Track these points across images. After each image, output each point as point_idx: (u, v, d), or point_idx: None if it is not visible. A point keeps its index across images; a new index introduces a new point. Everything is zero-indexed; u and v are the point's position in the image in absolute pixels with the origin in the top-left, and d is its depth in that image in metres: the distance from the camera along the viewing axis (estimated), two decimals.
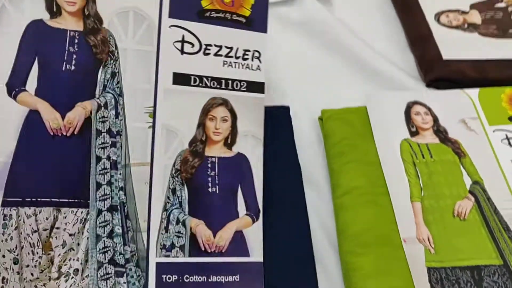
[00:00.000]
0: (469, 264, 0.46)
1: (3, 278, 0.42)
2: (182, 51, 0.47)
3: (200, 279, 0.45)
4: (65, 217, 0.43)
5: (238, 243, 0.47)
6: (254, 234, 0.48)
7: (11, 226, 0.42)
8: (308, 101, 0.61)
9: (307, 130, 0.59)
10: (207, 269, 0.46)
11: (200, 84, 0.47)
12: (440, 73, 0.62)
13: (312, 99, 0.61)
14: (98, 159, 0.44)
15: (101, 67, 0.45)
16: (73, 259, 0.44)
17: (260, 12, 0.49)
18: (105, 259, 0.44)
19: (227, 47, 0.48)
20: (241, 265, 0.47)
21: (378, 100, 0.58)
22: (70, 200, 0.44)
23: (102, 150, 0.45)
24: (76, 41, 0.44)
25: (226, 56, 0.48)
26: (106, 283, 0.44)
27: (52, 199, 0.43)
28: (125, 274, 0.44)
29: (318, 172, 0.56)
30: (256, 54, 0.49)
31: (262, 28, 0.49)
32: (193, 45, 0.47)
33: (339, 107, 0.58)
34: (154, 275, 0.44)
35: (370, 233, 0.48)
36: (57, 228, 0.43)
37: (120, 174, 0.45)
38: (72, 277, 0.43)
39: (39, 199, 0.43)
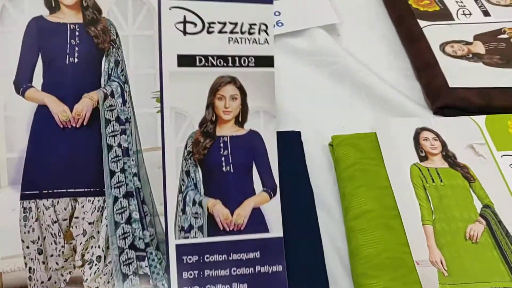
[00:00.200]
0: (483, 286, 0.47)
1: (30, 268, 0.43)
2: (184, 32, 0.46)
3: (220, 258, 0.46)
4: (83, 207, 0.44)
5: (257, 220, 0.47)
6: (273, 210, 0.48)
7: (32, 218, 0.43)
8: (319, 128, 0.62)
9: (318, 156, 0.60)
10: (227, 247, 0.46)
11: (206, 64, 0.46)
12: (447, 101, 0.63)
13: (322, 126, 0.62)
14: (110, 147, 0.44)
15: (104, 57, 0.45)
16: (95, 247, 0.44)
17: None
18: (125, 245, 0.44)
19: (231, 23, 0.46)
20: (261, 241, 0.47)
21: (387, 126, 0.60)
22: (85, 190, 0.45)
23: (113, 138, 0.45)
24: (77, 33, 0.44)
25: (231, 32, 0.47)
26: (129, 267, 0.44)
27: (68, 190, 0.44)
28: (146, 258, 0.45)
29: (330, 196, 0.56)
30: (263, 27, 0.47)
31: None
32: (195, 24, 0.46)
33: (349, 133, 0.59)
34: (174, 257, 0.45)
35: (382, 255, 0.49)
36: (76, 217, 0.44)
37: (132, 160, 0.45)
38: (96, 264, 0.44)
39: (55, 191, 0.44)
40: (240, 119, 0.48)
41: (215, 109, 0.47)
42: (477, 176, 0.55)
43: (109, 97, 0.45)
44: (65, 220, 0.44)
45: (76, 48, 0.44)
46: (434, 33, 0.72)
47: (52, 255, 0.44)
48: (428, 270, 0.48)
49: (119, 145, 0.45)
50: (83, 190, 0.44)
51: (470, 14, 0.75)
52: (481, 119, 0.61)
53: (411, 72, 0.71)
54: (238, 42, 0.48)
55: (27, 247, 0.43)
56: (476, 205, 0.53)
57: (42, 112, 0.43)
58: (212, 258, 0.45)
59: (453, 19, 0.74)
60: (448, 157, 0.57)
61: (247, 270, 0.46)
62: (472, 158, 0.57)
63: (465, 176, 0.55)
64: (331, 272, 0.50)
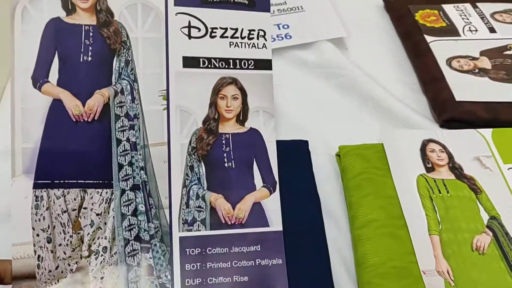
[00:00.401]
0: None
1: (39, 256, 0.50)
2: (189, 36, 0.56)
3: (222, 250, 0.53)
4: (91, 198, 0.52)
5: (257, 214, 0.55)
6: (272, 205, 0.55)
7: (43, 206, 0.51)
8: (326, 138, 0.70)
9: (325, 166, 0.68)
10: (228, 240, 0.53)
11: (209, 66, 0.57)
12: (453, 114, 0.70)
13: (329, 137, 0.70)
14: (119, 141, 0.54)
15: (116, 56, 0.54)
16: (101, 238, 0.52)
17: None
18: (131, 236, 0.53)
19: (232, 29, 0.57)
20: (262, 235, 0.54)
21: (394, 137, 0.66)
22: (95, 181, 0.52)
23: (122, 133, 0.54)
24: (91, 34, 0.54)
25: (232, 37, 0.57)
26: (134, 259, 0.52)
27: (78, 181, 0.52)
28: (150, 250, 0.53)
29: (336, 205, 0.64)
30: (261, 33, 0.58)
31: (265, 8, 0.58)
32: (199, 29, 0.57)
33: (356, 144, 0.66)
34: (178, 249, 0.52)
35: (389, 264, 0.54)
36: (85, 208, 0.52)
37: (140, 154, 0.54)
38: (102, 255, 0.52)
39: (66, 181, 0.51)
40: (241, 118, 0.56)
41: (218, 108, 0.56)
42: (484, 188, 0.60)
43: (119, 94, 0.53)
44: (74, 210, 0.51)
45: (90, 48, 0.52)
46: (440, 48, 0.80)
47: (60, 244, 0.51)
48: (434, 280, 0.53)
49: (128, 140, 0.53)
50: (92, 181, 0.51)
51: (476, 30, 0.83)
52: (487, 132, 0.67)
53: (418, 86, 0.79)
54: (238, 46, 0.57)
55: (37, 235, 0.49)
56: (483, 217, 0.58)
57: (57, 106, 0.51)
58: (214, 251, 0.53)
59: (459, 35, 0.83)
60: (455, 168, 0.62)
61: (248, 263, 0.53)
62: (479, 170, 0.62)
63: (471, 187, 0.60)
64: (337, 280, 0.56)
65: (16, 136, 0.50)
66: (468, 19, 0.87)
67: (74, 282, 0.51)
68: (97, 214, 0.52)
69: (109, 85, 0.54)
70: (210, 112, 0.56)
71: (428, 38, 0.83)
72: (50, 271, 0.50)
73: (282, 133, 0.70)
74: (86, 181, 0.52)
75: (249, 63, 0.57)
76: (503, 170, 0.63)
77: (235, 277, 0.53)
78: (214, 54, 0.56)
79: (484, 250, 0.55)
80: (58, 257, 0.51)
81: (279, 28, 0.84)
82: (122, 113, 0.53)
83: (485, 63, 0.78)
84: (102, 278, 0.51)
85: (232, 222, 0.54)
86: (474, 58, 0.79)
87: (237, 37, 0.57)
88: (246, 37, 0.57)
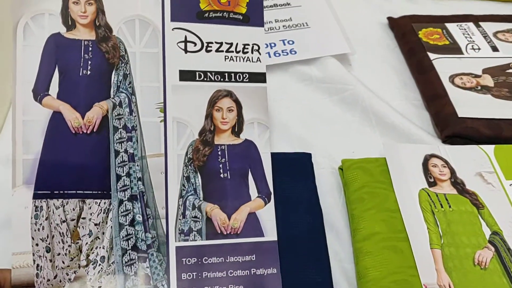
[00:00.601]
0: None
1: (38, 265, 0.52)
2: (185, 50, 0.59)
3: (218, 260, 0.55)
4: (90, 208, 0.54)
5: (252, 224, 0.57)
6: (267, 215, 0.57)
7: (42, 216, 0.53)
8: (328, 152, 0.72)
9: (328, 179, 0.69)
10: (224, 250, 0.55)
11: (205, 79, 0.59)
12: (456, 130, 0.71)
13: (332, 151, 0.72)
14: (117, 153, 0.56)
15: (114, 70, 0.56)
16: (100, 247, 0.54)
17: (256, 9, 0.61)
18: (128, 246, 0.54)
19: (227, 43, 0.60)
20: (257, 245, 0.56)
21: (397, 152, 0.67)
22: (93, 192, 0.54)
23: (120, 144, 0.56)
24: (90, 49, 0.56)
25: (227, 51, 0.60)
26: (131, 268, 0.54)
27: (77, 191, 0.54)
28: (147, 259, 0.54)
29: (338, 218, 0.65)
30: (256, 47, 0.61)
31: (259, 23, 0.61)
32: (195, 44, 0.59)
33: (358, 158, 0.68)
34: (174, 259, 0.54)
35: (390, 278, 0.55)
36: (83, 218, 0.54)
37: (137, 165, 0.56)
38: (100, 264, 0.54)
39: (65, 192, 0.53)
40: (236, 129, 0.59)
41: (214, 120, 0.58)
42: (486, 203, 0.61)
43: (118, 106, 0.55)
44: (73, 220, 0.53)
45: (89, 62, 0.55)
46: (443, 65, 0.81)
47: (59, 254, 0.52)
48: None
49: (126, 151, 0.55)
50: (91, 192, 0.53)
51: (479, 49, 0.85)
52: (490, 148, 0.68)
53: (420, 102, 0.81)
54: (233, 60, 0.59)
55: (37, 245, 0.51)
56: (485, 232, 0.58)
57: (57, 118, 0.53)
58: (210, 260, 0.54)
59: (462, 53, 0.84)
60: (457, 183, 0.63)
61: (243, 272, 0.54)
62: (481, 185, 0.63)
63: (473, 203, 0.61)
64: None
65: (17, 148, 0.53)
66: (471, 37, 0.89)
67: None
68: (95, 224, 0.54)
69: (107, 98, 0.56)
70: (206, 124, 0.58)
71: (432, 56, 0.84)
72: (48, 280, 0.52)
73: (285, 146, 0.72)
74: (85, 192, 0.54)
75: (244, 76, 0.59)
76: (505, 186, 0.64)
77: (231, 286, 0.55)
78: (210, 68, 0.59)
79: (486, 265, 0.56)
80: (56, 267, 0.52)
81: (284, 44, 0.86)
82: (120, 125, 0.56)
83: (488, 80, 0.80)
84: (99, 287, 0.53)
85: (228, 232, 0.56)
86: (476, 76, 0.81)
87: (232, 51, 0.59)
88: (241, 51, 0.60)
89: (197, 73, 0.58)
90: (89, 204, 0.54)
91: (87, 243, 0.54)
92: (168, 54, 0.58)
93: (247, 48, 0.60)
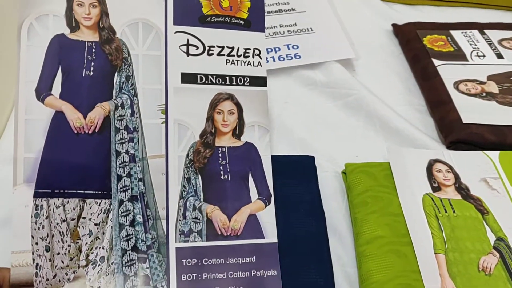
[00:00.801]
0: None
1: (37, 264, 0.52)
2: (187, 53, 0.60)
3: (218, 261, 0.55)
4: (90, 208, 0.55)
5: (253, 226, 0.57)
6: (267, 217, 0.58)
7: (43, 215, 0.53)
8: (332, 156, 0.72)
9: (331, 184, 0.69)
10: (224, 252, 0.55)
11: (206, 82, 0.60)
12: (460, 135, 0.71)
13: (335, 155, 0.73)
14: (118, 153, 0.56)
15: (117, 72, 0.57)
16: (99, 247, 0.54)
17: (257, 14, 0.63)
18: (128, 247, 0.55)
19: (228, 47, 0.61)
20: (257, 247, 0.56)
21: (401, 156, 0.67)
22: (94, 192, 0.54)
23: (121, 145, 0.56)
24: (93, 50, 0.58)
25: (228, 55, 0.61)
26: (131, 268, 0.54)
27: (78, 191, 0.54)
28: (147, 260, 0.54)
29: (341, 222, 0.65)
30: (257, 52, 0.62)
31: (260, 28, 0.62)
32: (197, 47, 0.60)
33: (362, 162, 0.68)
34: (174, 260, 0.54)
35: (394, 281, 0.54)
36: (83, 218, 0.54)
37: (138, 166, 0.57)
38: (99, 264, 0.54)
39: (66, 191, 0.54)
40: (237, 132, 0.59)
41: (215, 122, 0.59)
42: (491, 209, 0.61)
43: (120, 107, 0.56)
44: (73, 219, 0.53)
45: (92, 63, 0.56)
46: (448, 72, 0.81)
47: (58, 253, 0.53)
48: None
49: (127, 152, 0.55)
50: (91, 192, 0.54)
51: (484, 56, 0.85)
52: (494, 154, 0.68)
53: (425, 108, 0.81)
54: (234, 64, 0.61)
55: (36, 244, 0.51)
56: (489, 237, 0.58)
57: (59, 118, 0.54)
58: (210, 262, 0.54)
59: (467, 60, 0.84)
60: (461, 189, 0.63)
61: (243, 274, 0.55)
62: (486, 191, 0.63)
63: (478, 208, 0.61)
64: None
65: (18, 146, 0.53)
66: (476, 45, 0.89)
67: None
68: (96, 224, 0.54)
69: (110, 99, 0.57)
70: (207, 126, 0.59)
71: (436, 62, 0.85)
72: (47, 279, 0.52)
73: (289, 150, 0.72)
74: (85, 191, 0.54)
75: (245, 79, 0.60)
76: (510, 192, 0.64)
77: None
78: (211, 71, 0.60)
79: (491, 271, 0.56)
80: (56, 266, 0.53)
81: (289, 48, 0.86)
82: (122, 126, 0.56)
83: (493, 87, 0.80)
84: (99, 287, 0.52)
85: (228, 233, 0.57)
86: (481, 82, 0.81)
87: (233, 55, 0.61)
88: (242, 55, 0.61)
89: (198, 76, 0.59)
90: (89, 204, 0.54)
91: (87, 243, 0.54)
92: (170, 57, 0.59)
93: (248, 52, 0.61)
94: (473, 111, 0.75)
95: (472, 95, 0.78)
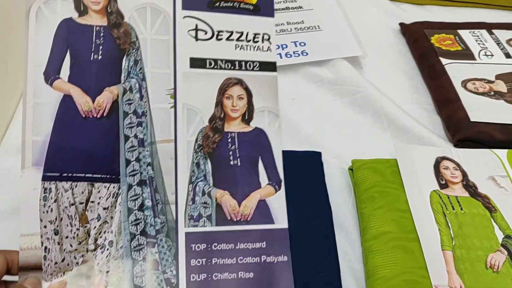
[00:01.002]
0: None
1: (46, 247, 0.52)
2: (196, 38, 0.60)
3: (227, 246, 0.55)
4: (99, 192, 0.55)
5: (263, 212, 0.57)
6: (278, 203, 0.57)
7: (51, 198, 0.53)
8: (339, 153, 0.73)
9: (337, 180, 0.70)
10: (234, 237, 0.55)
11: (215, 67, 0.60)
12: (468, 134, 0.72)
13: (342, 151, 0.74)
14: (126, 138, 0.56)
15: (125, 56, 0.57)
16: (108, 232, 0.54)
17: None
18: (137, 231, 0.54)
19: (237, 32, 0.61)
20: (267, 232, 0.56)
21: (408, 153, 0.68)
22: (102, 176, 0.54)
23: (130, 129, 0.56)
24: (102, 34, 0.57)
25: (238, 40, 0.61)
26: (139, 253, 0.54)
27: (86, 175, 0.54)
28: (156, 245, 0.54)
29: (347, 218, 0.66)
30: (266, 37, 0.62)
31: (269, 13, 0.62)
32: (206, 32, 0.60)
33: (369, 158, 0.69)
34: (184, 245, 0.54)
35: (400, 277, 0.55)
36: (92, 201, 0.54)
37: (147, 151, 0.57)
38: (108, 249, 0.54)
39: (74, 174, 0.53)
40: (246, 117, 0.59)
41: (224, 107, 0.59)
42: (499, 207, 0.62)
43: (128, 92, 0.56)
44: (81, 203, 0.53)
45: (100, 47, 0.56)
46: (456, 71, 0.83)
47: (67, 237, 0.52)
48: None
49: (135, 136, 0.55)
50: (100, 176, 0.53)
51: (492, 55, 0.87)
52: (503, 152, 0.69)
53: (432, 107, 0.82)
54: (244, 49, 0.60)
55: (45, 227, 0.51)
56: (497, 235, 0.59)
57: (67, 102, 0.54)
58: (219, 247, 0.54)
59: (475, 59, 0.86)
60: (469, 186, 0.64)
61: (253, 259, 0.54)
62: (493, 189, 0.64)
63: (486, 206, 0.62)
64: None
65: (26, 129, 0.53)
66: (484, 44, 0.90)
67: (80, 275, 0.52)
68: (104, 208, 0.54)
69: (118, 83, 0.57)
70: (216, 111, 0.58)
71: (444, 61, 0.86)
72: (56, 263, 0.52)
73: (295, 147, 0.73)
74: (94, 175, 0.54)
75: (254, 65, 0.60)
76: None
77: (241, 273, 0.54)
78: (220, 56, 0.60)
79: (499, 269, 0.56)
80: (64, 250, 0.52)
81: (296, 45, 0.87)
82: (130, 110, 0.56)
83: (501, 86, 0.81)
84: (107, 272, 0.53)
85: (238, 218, 0.56)
86: (489, 81, 0.82)
87: (243, 40, 0.60)
88: (251, 40, 0.61)
89: (207, 60, 0.59)
90: (98, 188, 0.54)
91: (95, 227, 0.54)
92: (179, 42, 0.59)
93: (258, 37, 0.61)
94: (481, 109, 0.76)
95: (480, 93, 0.79)
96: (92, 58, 0.56)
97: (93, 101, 0.55)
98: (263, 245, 0.56)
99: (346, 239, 0.64)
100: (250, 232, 0.56)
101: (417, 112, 0.81)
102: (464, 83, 0.81)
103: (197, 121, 0.58)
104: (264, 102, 0.60)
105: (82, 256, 0.53)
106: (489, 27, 0.95)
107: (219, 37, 0.60)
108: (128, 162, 0.55)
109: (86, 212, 0.54)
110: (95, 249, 0.53)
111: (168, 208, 0.55)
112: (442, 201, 0.62)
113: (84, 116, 0.55)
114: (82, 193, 0.54)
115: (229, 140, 0.58)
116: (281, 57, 0.82)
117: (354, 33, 0.92)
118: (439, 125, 0.80)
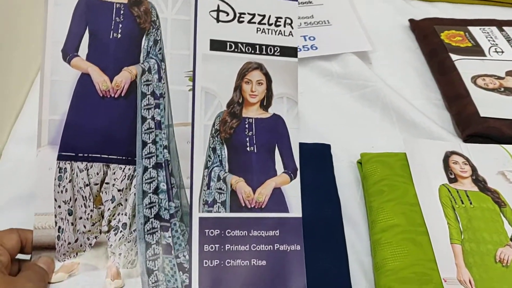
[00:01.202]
0: None
1: (59, 227, 0.52)
2: (217, 20, 0.59)
3: (241, 233, 0.55)
4: (114, 173, 0.54)
5: (277, 200, 0.56)
6: (293, 191, 0.57)
7: (66, 178, 0.53)
8: (347, 147, 0.73)
9: (346, 173, 0.70)
10: (248, 224, 0.55)
11: (236, 50, 0.59)
12: (477, 129, 0.72)
13: (351, 145, 0.73)
14: (144, 119, 0.56)
15: (145, 35, 0.56)
16: (122, 214, 0.54)
17: None
18: (151, 214, 0.54)
19: (259, 15, 0.60)
20: (281, 220, 0.56)
21: (417, 147, 0.68)
22: (118, 157, 0.54)
23: (147, 111, 0.56)
24: (122, 12, 0.56)
25: (259, 23, 0.60)
26: (152, 236, 0.54)
27: (102, 155, 0.53)
28: (170, 229, 0.54)
29: (356, 211, 0.66)
30: (288, 21, 0.61)
31: None
32: (227, 13, 0.59)
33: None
34: (197, 230, 0.54)
35: (409, 270, 0.55)
36: (107, 183, 0.54)
37: (164, 133, 0.56)
38: (121, 231, 0.54)
39: (90, 155, 0.53)
40: (265, 103, 0.58)
41: (242, 92, 0.58)
42: (508, 201, 0.61)
43: (147, 72, 0.55)
44: (96, 184, 0.53)
45: (120, 25, 0.54)
46: (465, 67, 0.83)
47: (81, 218, 0.52)
48: None
49: (153, 118, 0.54)
50: (115, 157, 0.53)
51: (502, 52, 0.87)
52: None
53: (441, 102, 0.82)
54: (265, 33, 0.59)
55: (59, 207, 0.51)
56: (507, 230, 0.59)
57: (85, 80, 0.53)
58: (233, 233, 0.54)
59: (485, 55, 0.86)
60: (478, 181, 0.64)
61: (267, 247, 0.54)
62: (503, 184, 0.64)
63: (495, 200, 0.61)
64: (355, 285, 0.57)
65: (43, 107, 0.52)
66: (494, 41, 0.90)
67: (92, 256, 0.52)
68: (119, 190, 0.54)
69: (137, 63, 0.56)
70: (234, 95, 0.58)
71: (454, 57, 0.86)
72: (69, 243, 0.52)
73: (304, 140, 0.70)
74: (109, 156, 0.54)
75: (275, 49, 0.59)
76: None
77: (253, 261, 0.54)
78: (241, 39, 0.59)
79: (508, 263, 0.56)
80: (78, 230, 0.52)
81: (305, 40, 0.88)
82: (148, 91, 0.55)
83: (511, 82, 0.81)
84: (120, 254, 0.53)
85: (252, 205, 0.56)
86: (499, 78, 0.81)
87: (264, 23, 0.59)
88: (273, 24, 0.60)
89: (228, 43, 0.58)
90: (113, 169, 0.54)
91: (109, 208, 0.53)
92: (200, 23, 0.58)
93: (280, 21, 0.60)
94: (490, 105, 0.76)
95: (490, 89, 0.79)
96: (111, 36, 0.55)
97: (111, 81, 0.54)
98: (277, 233, 0.56)
99: (354, 232, 0.64)
100: (264, 220, 0.56)
101: (426, 107, 0.81)
102: (474, 79, 0.81)
103: (215, 105, 0.57)
104: (283, 88, 0.59)
105: (96, 237, 0.53)
106: (499, 24, 0.95)
107: (241, 19, 0.59)
108: (144, 144, 0.55)
109: (101, 193, 0.53)
110: (108, 231, 0.53)
111: (183, 193, 0.55)
112: (451, 195, 0.62)
113: (101, 95, 0.54)
114: (97, 174, 0.53)
115: (247, 126, 0.58)
116: None
117: (363, 28, 0.92)
118: (448, 121, 0.80)
